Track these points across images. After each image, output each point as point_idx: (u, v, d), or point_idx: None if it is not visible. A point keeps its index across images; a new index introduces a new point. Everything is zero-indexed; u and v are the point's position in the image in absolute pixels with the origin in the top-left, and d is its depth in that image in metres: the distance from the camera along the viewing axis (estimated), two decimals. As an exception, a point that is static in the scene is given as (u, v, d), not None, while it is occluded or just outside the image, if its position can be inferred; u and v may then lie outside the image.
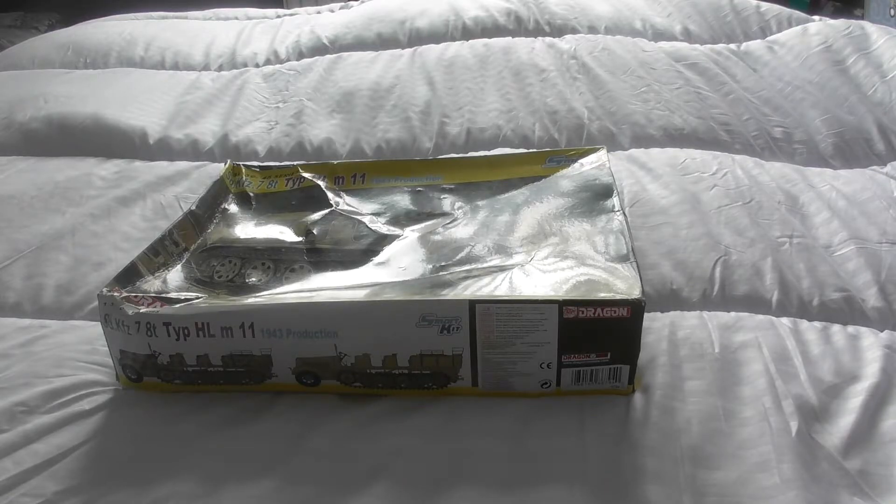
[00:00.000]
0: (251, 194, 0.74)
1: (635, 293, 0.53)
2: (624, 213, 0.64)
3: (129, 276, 0.59)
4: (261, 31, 1.34)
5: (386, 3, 1.37)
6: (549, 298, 0.53)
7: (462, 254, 0.61)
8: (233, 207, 0.72)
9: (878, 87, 1.02)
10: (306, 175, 0.75)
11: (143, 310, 0.55)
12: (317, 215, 0.69)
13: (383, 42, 1.25)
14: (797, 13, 1.25)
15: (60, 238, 0.80)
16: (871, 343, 0.60)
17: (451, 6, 1.31)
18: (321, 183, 0.74)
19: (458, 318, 0.52)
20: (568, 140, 0.96)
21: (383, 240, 0.65)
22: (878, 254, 0.71)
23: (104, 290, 0.57)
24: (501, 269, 0.58)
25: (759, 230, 0.74)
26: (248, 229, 0.69)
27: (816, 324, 0.63)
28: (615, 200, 0.66)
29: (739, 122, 0.97)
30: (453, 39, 1.23)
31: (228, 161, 0.78)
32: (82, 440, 0.53)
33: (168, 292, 0.58)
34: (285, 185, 0.75)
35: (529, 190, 0.71)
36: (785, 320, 0.63)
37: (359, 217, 0.69)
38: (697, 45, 1.16)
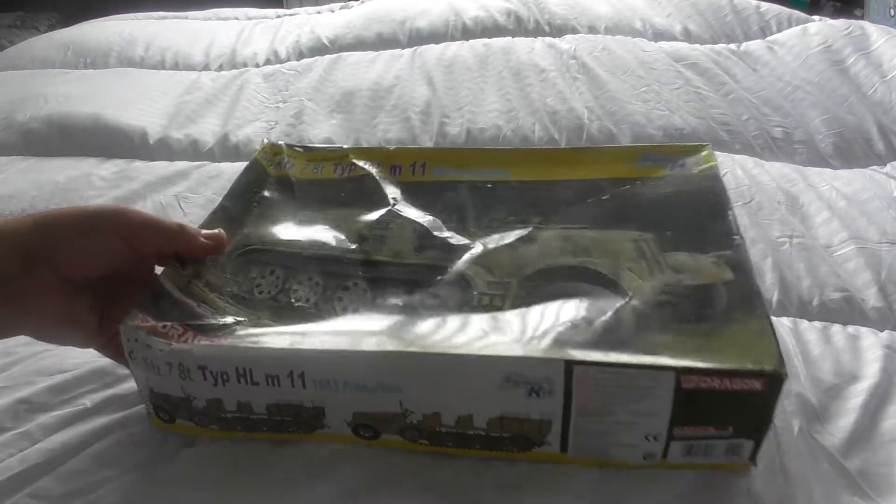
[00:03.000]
0: (293, 179, 0.64)
1: (772, 363, 0.43)
2: (741, 237, 0.53)
3: (154, 297, 0.50)
4: (261, 31, 1.34)
5: (386, 3, 1.37)
6: (665, 365, 0.42)
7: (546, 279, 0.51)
8: (272, 194, 0.62)
9: (878, 87, 1.02)
10: (358, 162, 0.65)
11: (174, 345, 0.47)
12: (372, 216, 0.59)
13: (383, 42, 1.25)
14: (797, 13, 1.25)
15: (61, 238, 0.79)
16: (871, 343, 0.60)
17: (451, 6, 1.31)
18: (373, 170, 0.64)
19: (550, 379, 0.43)
20: (568, 140, 0.95)
21: (451, 251, 0.55)
22: (878, 254, 0.71)
23: (128, 321, 0.48)
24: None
25: (759, 230, 0.74)
26: (291, 229, 0.59)
27: (816, 324, 0.63)
28: (731, 220, 0.54)
29: (739, 122, 0.97)
30: (453, 39, 1.23)
31: (266, 139, 0.71)
32: (86, 439, 0.53)
33: (202, 317, 0.49)
34: (332, 172, 0.65)
35: (622, 198, 0.59)
36: (785, 320, 0.64)
37: (421, 221, 0.59)
38: (697, 45, 1.16)
